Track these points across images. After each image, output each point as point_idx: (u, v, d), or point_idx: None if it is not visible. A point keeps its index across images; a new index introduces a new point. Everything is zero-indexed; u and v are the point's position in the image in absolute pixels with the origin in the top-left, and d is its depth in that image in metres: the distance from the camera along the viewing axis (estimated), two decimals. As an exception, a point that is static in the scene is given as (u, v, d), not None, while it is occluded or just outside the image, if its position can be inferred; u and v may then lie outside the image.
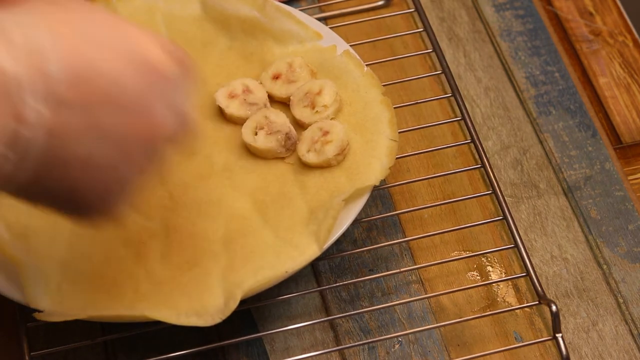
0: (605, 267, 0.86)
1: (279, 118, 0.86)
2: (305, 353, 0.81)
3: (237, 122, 0.88)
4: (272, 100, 0.89)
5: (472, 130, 0.90)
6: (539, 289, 0.80)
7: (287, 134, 0.85)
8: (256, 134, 0.86)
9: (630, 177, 0.92)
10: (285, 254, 0.78)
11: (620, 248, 0.87)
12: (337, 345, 0.82)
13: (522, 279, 0.85)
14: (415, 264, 0.87)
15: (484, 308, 0.84)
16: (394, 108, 0.87)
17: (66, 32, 0.63)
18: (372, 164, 0.83)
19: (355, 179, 0.82)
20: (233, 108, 0.88)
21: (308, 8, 1.02)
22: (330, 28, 0.94)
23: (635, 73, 0.99)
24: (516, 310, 0.83)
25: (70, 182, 0.65)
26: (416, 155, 0.92)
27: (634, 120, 0.96)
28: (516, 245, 0.83)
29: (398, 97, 0.96)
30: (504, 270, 0.86)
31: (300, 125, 0.88)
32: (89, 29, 0.65)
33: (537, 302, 0.80)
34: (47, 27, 0.62)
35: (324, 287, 0.83)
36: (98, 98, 0.63)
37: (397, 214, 0.89)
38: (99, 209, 0.69)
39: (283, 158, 0.86)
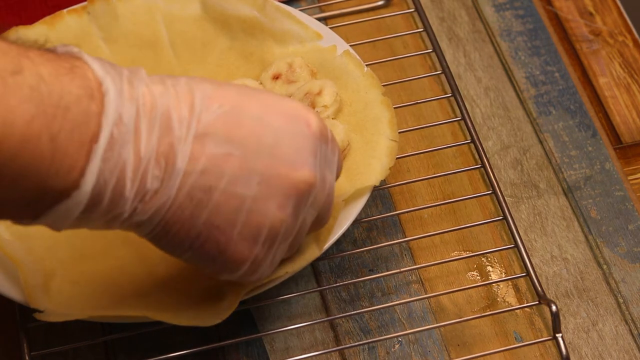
0: (605, 267, 0.86)
1: None
2: (305, 353, 0.81)
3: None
4: (272, 100, 0.89)
5: (472, 130, 0.90)
6: (539, 289, 0.80)
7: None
8: None
9: (630, 177, 0.92)
10: (285, 254, 0.78)
11: (620, 248, 0.87)
12: (337, 345, 0.82)
13: (522, 279, 0.85)
14: (415, 264, 0.87)
15: (484, 308, 0.84)
16: (394, 108, 0.87)
17: (218, 85, 0.66)
18: (372, 165, 0.83)
19: (356, 180, 0.82)
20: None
21: (308, 8, 1.02)
22: (330, 28, 0.94)
23: (636, 73, 0.99)
24: (516, 310, 0.83)
25: (216, 221, 0.66)
26: (416, 155, 0.92)
27: (634, 120, 0.96)
28: (516, 245, 0.83)
29: (398, 97, 0.96)
30: (504, 270, 0.86)
31: (300, 126, 0.88)
32: (241, 88, 0.67)
33: (537, 302, 0.80)
34: (201, 80, 0.66)
35: (324, 287, 0.83)
36: (242, 132, 0.65)
37: (397, 214, 0.89)
38: (241, 262, 0.68)
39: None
